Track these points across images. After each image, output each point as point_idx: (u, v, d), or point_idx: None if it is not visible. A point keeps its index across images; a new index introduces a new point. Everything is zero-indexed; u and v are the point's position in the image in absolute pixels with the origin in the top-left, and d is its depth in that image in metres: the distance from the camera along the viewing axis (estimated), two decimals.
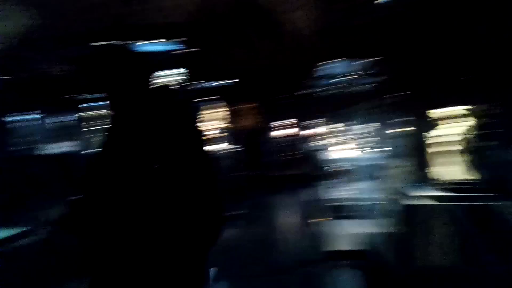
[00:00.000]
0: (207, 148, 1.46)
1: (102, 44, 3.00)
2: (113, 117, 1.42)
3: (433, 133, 3.60)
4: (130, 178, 1.29)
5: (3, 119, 4.21)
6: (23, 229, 5.27)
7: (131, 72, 1.41)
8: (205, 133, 1.54)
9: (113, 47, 1.52)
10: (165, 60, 3.56)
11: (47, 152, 10.25)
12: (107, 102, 1.43)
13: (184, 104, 1.53)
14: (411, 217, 2.52)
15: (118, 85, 1.40)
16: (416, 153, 3.36)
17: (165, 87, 1.49)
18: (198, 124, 1.46)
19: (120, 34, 3.26)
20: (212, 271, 3.69)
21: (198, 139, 1.43)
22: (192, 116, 1.49)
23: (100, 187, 1.35)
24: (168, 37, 3.27)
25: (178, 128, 1.37)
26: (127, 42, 3.38)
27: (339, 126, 5.79)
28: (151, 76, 1.47)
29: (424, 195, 3.02)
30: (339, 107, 6.55)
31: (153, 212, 1.31)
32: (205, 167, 1.41)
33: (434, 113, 3.69)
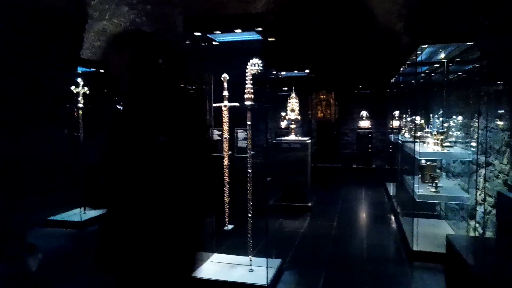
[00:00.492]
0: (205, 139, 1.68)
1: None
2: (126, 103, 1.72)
3: None
4: (139, 154, 1.51)
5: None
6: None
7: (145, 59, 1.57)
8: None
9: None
10: (241, 50, 3.64)
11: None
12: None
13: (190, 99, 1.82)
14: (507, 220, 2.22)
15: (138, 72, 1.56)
16: None
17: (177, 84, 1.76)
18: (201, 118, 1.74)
19: (198, 25, 3.41)
20: (279, 262, 3.73)
21: (199, 129, 1.63)
22: (195, 109, 1.71)
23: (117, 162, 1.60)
24: (244, 27, 3.32)
25: (181, 117, 1.57)
26: (205, 33, 3.53)
27: (425, 118, 5.34)
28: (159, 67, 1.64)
29: None
30: (426, 98, 6.06)
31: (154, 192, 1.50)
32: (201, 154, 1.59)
33: None
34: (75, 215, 5.59)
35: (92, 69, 5.98)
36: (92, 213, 5.68)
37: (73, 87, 5.43)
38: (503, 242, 2.15)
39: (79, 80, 5.53)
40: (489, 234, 3.50)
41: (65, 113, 5.53)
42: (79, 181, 5.63)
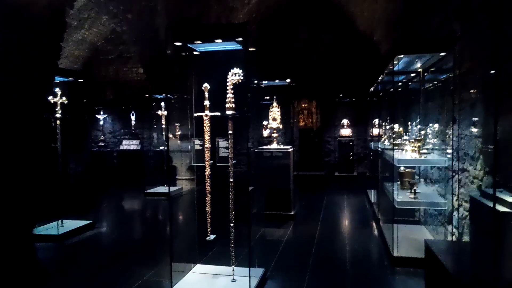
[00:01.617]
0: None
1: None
2: None
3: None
4: None
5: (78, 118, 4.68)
6: (88, 221, 5.82)
7: None
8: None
9: None
10: (222, 60, 3.65)
11: (117, 148, 11.13)
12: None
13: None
14: (484, 224, 2.29)
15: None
16: (490, 156, 3.05)
17: None
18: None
19: (179, 34, 3.41)
20: (262, 271, 3.72)
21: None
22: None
23: None
24: (224, 37, 3.35)
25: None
26: (186, 43, 3.54)
27: (403, 126, 5.47)
28: None
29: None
30: (404, 106, 6.21)
31: None
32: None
33: None
34: (53, 228, 5.43)
35: (70, 78, 5.88)
36: (70, 225, 5.53)
37: (50, 97, 5.32)
38: (477, 245, 2.22)
39: (57, 90, 5.43)
40: (465, 238, 3.59)
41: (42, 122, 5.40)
42: (58, 192, 5.49)
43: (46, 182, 5.28)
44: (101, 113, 11.58)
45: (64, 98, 5.49)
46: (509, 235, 2.05)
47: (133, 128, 11.48)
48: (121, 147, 11.39)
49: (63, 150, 5.54)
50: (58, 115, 5.45)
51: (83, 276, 4.03)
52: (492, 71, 2.98)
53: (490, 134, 3.07)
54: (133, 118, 11.43)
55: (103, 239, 5.58)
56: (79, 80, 5.86)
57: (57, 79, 5.60)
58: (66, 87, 5.65)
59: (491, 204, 2.09)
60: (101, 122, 11.66)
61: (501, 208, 2.10)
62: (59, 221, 5.51)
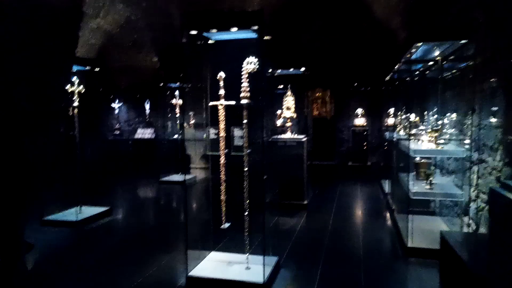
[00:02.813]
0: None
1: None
2: None
3: None
4: None
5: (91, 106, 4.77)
6: (105, 208, 5.96)
7: None
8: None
9: None
10: (237, 49, 3.64)
11: (132, 137, 11.26)
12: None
13: None
14: (503, 215, 2.25)
15: None
16: (511, 146, 2.98)
17: None
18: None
19: (193, 22, 3.40)
20: (275, 259, 3.76)
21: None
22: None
23: None
24: (240, 25, 3.33)
25: None
26: (201, 31, 3.53)
27: (420, 116, 5.38)
28: None
29: None
30: (421, 96, 6.10)
31: None
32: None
33: None
34: (72, 214, 5.58)
35: (87, 67, 5.96)
36: (88, 212, 5.68)
37: (68, 86, 5.41)
38: (495, 237, 2.19)
39: (74, 78, 5.51)
40: (482, 230, 3.55)
41: (60, 112, 5.51)
42: (76, 180, 5.62)
43: (64, 170, 5.41)
44: (116, 101, 11.72)
45: (81, 87, 5.57)
46: None
47: (147, 116, 11.60)
48: (136, 136, 11.54)
49: (81, 138, 5.65)
50: (75, 104, 5.54)
51: (99, 260, 4.15)
52: None
53: (511, 124, 3.00)
54: (147, 106, 11.54)
55: (119, 226, 5.72)
56: (96, 69, 5.92)
57: (74, 68, 5.69)
58: (83, 76, 5.72)
59: (511, 196, 2.05)
60: (116, 111, 11.81)
61: None
62: (78, 208, 5.66)
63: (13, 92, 3.42)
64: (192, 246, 3.60)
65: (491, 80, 3.49)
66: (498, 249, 2.20)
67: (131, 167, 10.86)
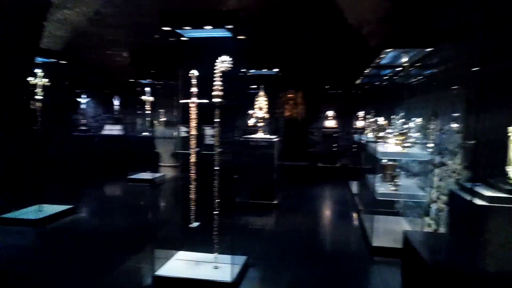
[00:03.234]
0: None
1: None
2: None
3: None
4: None
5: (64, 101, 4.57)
6: (68, 206, 5.74)
7: None
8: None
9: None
10: (211, 47, 3.61)
11: (99, 133, 10.91)
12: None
13: None
14: (461, 216, 2.37)
15: None
16: (471, 151, 3.14)
17: None
18: None
19: (169, 20, 3.35)
20: (244, 259, 3.76)
21: None
22: None
23: None
24: (214, 23, 3.30)
25: None
26: (175, 28, 3.47)
27: (387, 119, 5.57)
28: None
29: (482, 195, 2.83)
30: (388, 100, 6.31)
31: None
32: None
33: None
34: (31, 212, 5.32)
35: (52, 59, 5.70)
36: (50, 210, 5.43)
37: (31, 78, 5.15)
38: (454, 237, 2.30)
39: (38, 70, 5.25)
40: (441, 230, 3.72)
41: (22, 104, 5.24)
42: (36, 177, 5.37)
43: (25, 166, 5.15)
44: (83, 96, 11.30)
45: (45, 80, 5.33)
46: (485, 227, 2.14)
47: (116, 113, 11.27)
48: (103, 132, 11.18)
49: (44, 133, 5.40)
50: (38, 97, 5.28)
51: (61, 261, 3.98)
52: (475, 69, 3.05)
53: (470, 130, 3.17)
54: (115, 102, 11.20)
55: (83, 225, 5.51)
56: (62, 62, 5.68)
57: (38, 59, 5.43)
58: (49, 69, 5.47)
59: (468, 198, 2.16)
60: (83, 106, 11.38)
61: (478, 202, 2.18)
62: (38, 206, 5.41)
63: None
64: (159, 246, 3.53)
65: (452, 88, 3.67)
66: (456, 248, 2.31)
67: (97, 164, 10.51)
